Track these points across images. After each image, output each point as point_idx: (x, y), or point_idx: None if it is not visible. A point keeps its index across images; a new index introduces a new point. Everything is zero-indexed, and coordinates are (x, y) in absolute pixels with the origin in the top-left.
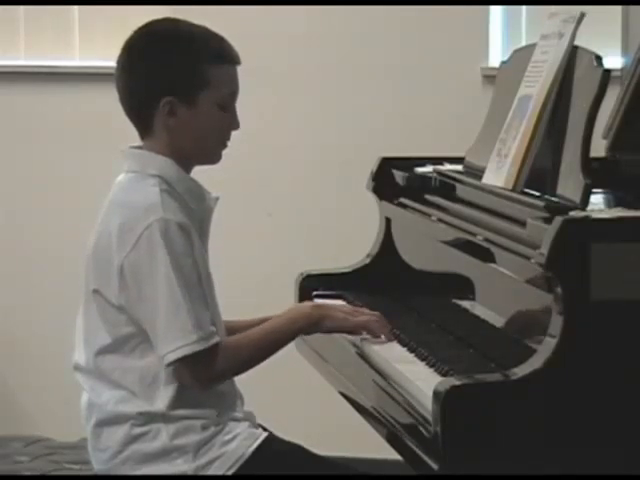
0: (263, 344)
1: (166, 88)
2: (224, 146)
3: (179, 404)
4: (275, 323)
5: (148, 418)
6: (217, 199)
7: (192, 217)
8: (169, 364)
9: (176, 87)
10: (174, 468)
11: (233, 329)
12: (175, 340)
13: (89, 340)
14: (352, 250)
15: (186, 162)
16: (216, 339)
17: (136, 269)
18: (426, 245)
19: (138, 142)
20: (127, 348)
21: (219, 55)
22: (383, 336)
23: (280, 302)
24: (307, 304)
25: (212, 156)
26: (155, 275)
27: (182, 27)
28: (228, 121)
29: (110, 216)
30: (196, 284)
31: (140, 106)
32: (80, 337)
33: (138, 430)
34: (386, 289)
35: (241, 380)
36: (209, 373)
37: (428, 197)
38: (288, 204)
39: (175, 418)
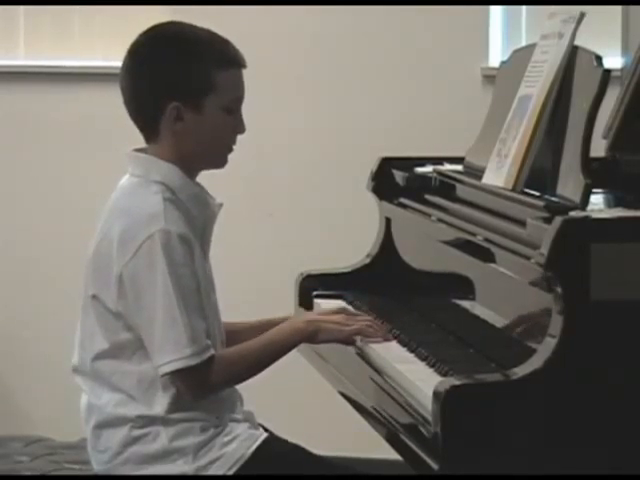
0: (257, 359)
1: (173, 93)
2: (230, 150)
3: (178, 408)
4: (269, 338)
5: (147, 421)
6: (221, 205)
7: (194, 224)
8: (163, 375)
9: (183, 92)
10: (174, 469)
11: (232, 332)
12: (169, 353)
13: (87, 344)
14: (352, 250)
15: (192, 167)
16: (210, 353)
17: (135, 278)
18: (426, 245)
19: (139, 143)
20: (125, 354)
21: (225, 59)
22: (380, 334)
23: (280, 302)
24: (300, 318)
25: (218, 160)
26: (154, 286)
27: (187, 31)
28: (234, 125)
29: (112, 222)
30: (194, 296)
31: (146, 110)
32: (78, 341)
33: (137, 432)
34: (386, 289)
35: None
36: (202, 386)
37: (428, 197)
38: (288, 204)
39: (174, 421)
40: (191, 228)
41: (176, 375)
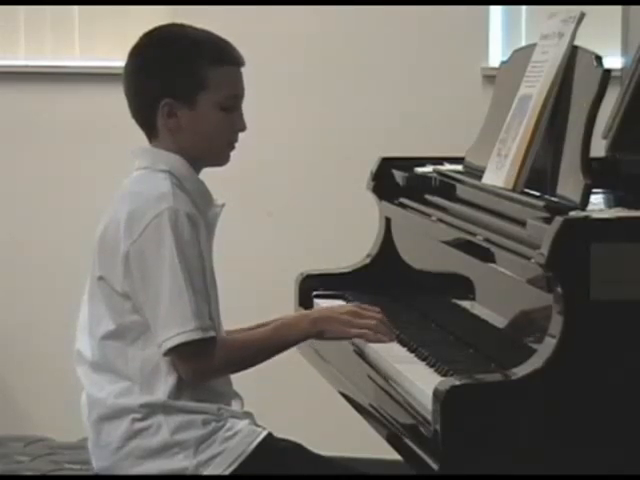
0: (259, 349)
1: (165, 90)
2: (231, 147)
3: (179, 394)
4: (274, 331)
5: (149, 410)
6: (223, 205)
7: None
8: (166, 352)
9: (175, 89)
10: (175, 464)
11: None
12: (174, 327)
13: (93, 327)
14: (352, 250)
15: (194, 163)
16: (213, 333)
17: (142, 256)
18: (426, 245)
19: (139, 143)
20: (130, 337)
21: (218, 56)
22: (385, 338)
23: (280, 302)
24: (308, 316)
25: (218, 157)
26: (160, 262)
27: (184, 31)
28: (231, 122)
29: (119, 205)
30: (200, 275)
31: (142, 108)
32: (84, 326)
33: (139, 425)
34: (386, 289)
35: (241, 380)
36: (203, 365)
37: (428, 197)
38: (288, 204)
39: (176, 410)
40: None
41: (179, 351)
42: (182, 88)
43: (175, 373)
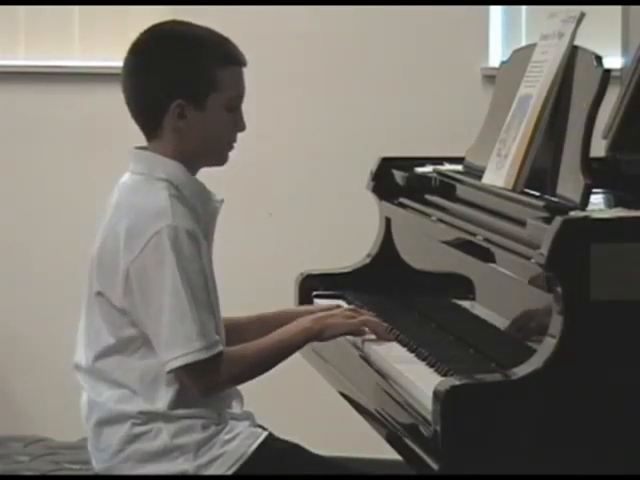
0: (264, 358)
1: (177, 91)
2: (230, 148)
3: (180, 404)
4: (276, 338)
5: (149, 417)
6: (222, 201)
7: (199, 220)
8: (170, 371)
9: (186, 90)
10: (175, 467)
11: (230, 326)
12: (178, 348)
13: (91, 341)
14: (352, 250)
15: (193, 164)
16: (219, 348)
17: (142, 274)
18: (426, 245)
19: (139, 142)
20: (129, 349)
21: (226, 57)
22: (382, 337)
23: (280, 302)
24: (307, 318)
25: (219, 158)
26: (161, 281)
27: (188, 29)
28: (234, 123)
29: (117, 219)
30: (202, 291)
31: (149, 108)
32: (82, 339)
33: (139, 429)
34: (386, 289)
35: None
36: (210, 382)
37: (428, 197)
38: (288, 204)
39: (176, 417)
40: (197, 224)
41: (184, 370)
42: (193, 89)
43: (176, 384)
